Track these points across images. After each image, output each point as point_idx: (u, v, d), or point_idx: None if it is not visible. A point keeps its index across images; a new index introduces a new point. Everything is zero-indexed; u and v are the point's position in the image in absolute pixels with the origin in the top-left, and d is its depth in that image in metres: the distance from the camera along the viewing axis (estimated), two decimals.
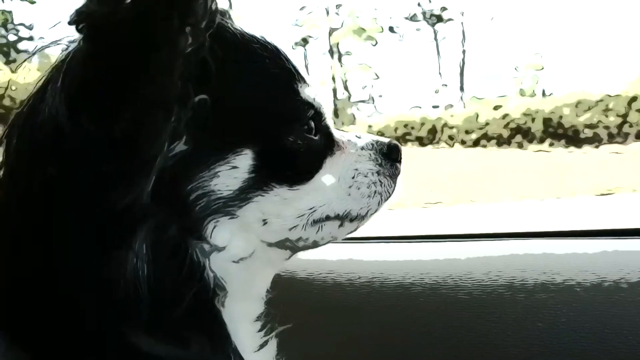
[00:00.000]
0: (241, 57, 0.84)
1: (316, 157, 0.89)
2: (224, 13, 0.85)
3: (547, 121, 7.71)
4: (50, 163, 0.72)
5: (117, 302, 0.72)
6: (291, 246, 0.90)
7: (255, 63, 0.85)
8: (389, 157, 0.97)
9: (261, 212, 0.83)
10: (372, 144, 0.97)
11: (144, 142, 0.71)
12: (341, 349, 1.34)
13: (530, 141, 7.74)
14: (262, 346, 0.90)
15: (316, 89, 0.90)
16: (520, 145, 7.80)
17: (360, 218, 0.93)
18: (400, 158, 0.99)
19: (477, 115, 8.37)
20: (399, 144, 1.00)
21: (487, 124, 8.20)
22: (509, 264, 1.28)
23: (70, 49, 0.78)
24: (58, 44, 0.82)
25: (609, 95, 7.34)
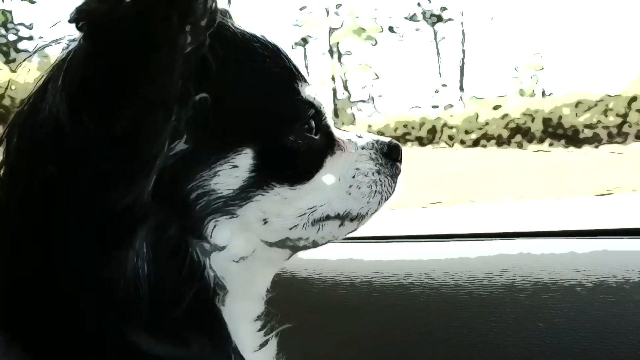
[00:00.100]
0: (242, 56, 0.84)
1: (316, 157, 0.89)
2: (224, 12, 0.85)
3: (546, 121, 7.71)
4: (51, 162, 0.72)
5: (117, 301, 0.72)
6: (291, 245, 0.90)
7: (255, 62, 0.85)
8: (389, 156, 0.97)
9: (261, 212, 0.83)
10: (373, 144, 0.97)
11: (144, 141, 0.71)
12: (341, 349, 1.34)
13: (530, 141, 7.75)
14: (262, 346, 0.90)
15: (316, 89, 0.90)
16: (520, 145, 7.80)
17: (360, 217, 0.93)
18: (401, 158, 0.99)
19: (477, 115, 8.37)
20: (399, 144, 1.00)
21: (486, 124, 8.20)
22: (509, 264, 1.28)
23: (70, 47, 0.78)
24: (58, 43, 0.82)
25: (609, 95, 7.34)
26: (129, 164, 0.71)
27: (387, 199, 0.96)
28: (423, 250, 1.53)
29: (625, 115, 7.10)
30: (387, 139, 1.00)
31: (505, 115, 8.10)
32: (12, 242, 0.75)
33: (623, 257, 1.22)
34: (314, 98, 0.88)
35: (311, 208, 0.87)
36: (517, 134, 7.91)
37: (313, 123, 0.88)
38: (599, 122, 7.29)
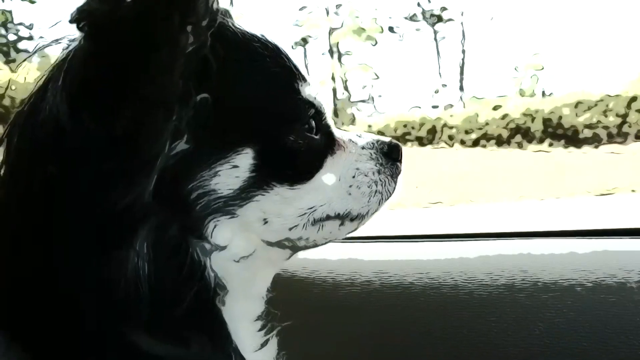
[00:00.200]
0: (242, 56, 0.84)
1: (317, 157, 0.89)
2: (225, 12, 0.85)
3: (546, 121, 7.70)
4: (51, 162, 0.72)
5: (118, 301, 0.72)
6: (291, 245, 0.90)
7: (256, 62, 0.85)
8: (389, 156, 0.97)
9: (262, 212, 0.83)
10: (373, 144, 0.97)
11: (144, 141, 0.71)
12: (341, 348, 1.34)
13: (530, 141, 7.74)
14: (262, 345, 0.90)
15: (316, 88, 0.90)
16: (519, 145, 7.79)
17: (360, 217, 0.93)
18: (401, 157, 0.99)
19: (477, 116, 8.36)
20: (399, 144, 1.00)
21: (486, 124, 8.19)
22: (509, 264, 1.28)
23: (71, 47, 0.78)
24: (58, 43, 0.82)
25: (609, 96, 7.34)
26: (129, 164, 0.71)
27: (388, 198, 0.96)
28: (423, 250, 1.53)
29: (625, 116, 7.09)
30: (387, 139, 1.00)
31: (505, 115, 8.09)
32: (12, 242, 0.75)
33: (623, 257, 1.22)
34: (314, 98, 0.88)
35: (311, 208, 0.87)
36: (517, 134, 7.90)
37: (313, 123, 0.88)
38: (598, 122, 7.28)
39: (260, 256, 0.87)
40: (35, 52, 0.85)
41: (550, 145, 7.59)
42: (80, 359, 0.73)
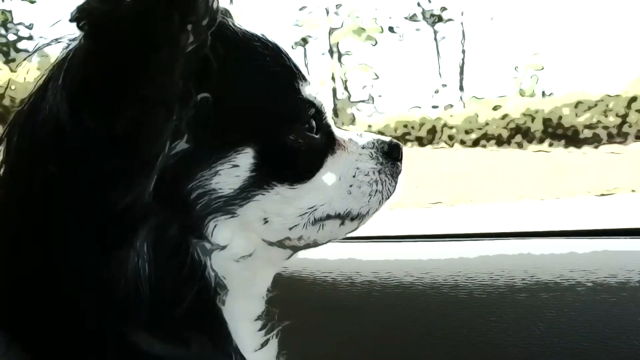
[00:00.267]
0: (242, 56, 0.84)
1: (317, 156, 0.89)
2: (224, 11, 0.85)
3: (546, 121, 7.70)
4: (51, 161, 0.72)
5: (118, 301, 0.72)
6: (292, 245, 0.90)
7: (256, 61, 0.84)
8: (390, 155, 0.97)
9: (262, 211, 0.83)
10: (374, 143, 0.97)
11: (144, 141, 0.71)
12: (341, 348, 1.34)
13: (530, 141, 7.74)
14: (262, 345, 0.90)
15: (317, 88, 0.90)
16: (519, 146, 7.79)
17: (361, 217, 0.93)
18: (401, 157, 0.99)
19: (477, 116, 8.36)
20: (400, 143, 1.00)
21: (486, 124, 8.19)
22: (509, 264, 1.28)
23: (71, 46, 0.78)
24: (58, 42, 0.82)
25: (609, 96, 7.33)
26: (130, 164, 0.71)
27: (388, 198, 0.96)
28: (423, 250, 1.53)
29: (625, 116, 7.09)
30: (387, 138, 1.00)
31: (505, 116, 8.09)
32: (12, 242, 0.75)
33: (623, 257, 1.22)
34: (315, 97, 0.88)
35: (312, 207, 0.87)
36: (517, 134, 7.90)
37: (313, 122, 0.88)
38: (598, 122, 7.28)
39: (261, 256, 0.87)
40: (35, 51, 0.85)
41: (550, 145, 7.59)
42: (81, 359, 0.73)
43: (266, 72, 0.85)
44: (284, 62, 0.87)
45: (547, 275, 1.20)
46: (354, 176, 0.92)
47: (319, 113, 0.89)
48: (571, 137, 7.48)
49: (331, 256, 1.50)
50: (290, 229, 0.87)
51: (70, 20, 0.72)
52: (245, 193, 0.81)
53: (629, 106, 7.13)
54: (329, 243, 0.93)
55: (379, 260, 1.49)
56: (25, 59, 0.88)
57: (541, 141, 7.68)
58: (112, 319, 0.72)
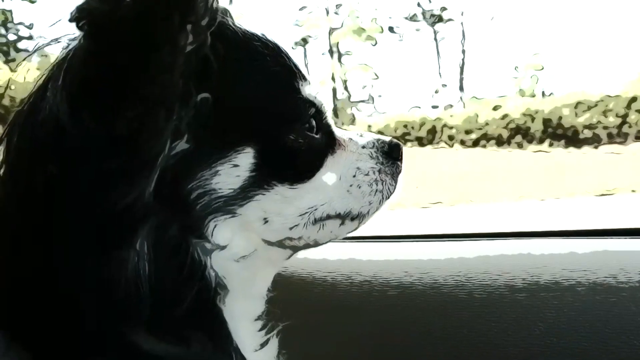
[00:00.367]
0: (242, 55, 0.84)
1: (317, 156, 0.89)
2: (224, 11, 0.85)
3: (546, 121, 7.70)
4: (51, 161, 0.71)
5: (118, 301, 0.72)
6: (292, 245, 0.90)
7: (256, 61, 0.84)
8: (390, 155, 0.97)
9: (262, 211, 0.83)
10: (374, 143, 0.97)
11: (144, 141, 0.71)
12: (341, 348, 1.34)
13: (530, 141, 7.74)
14: (263, 345, 0.90)
15: (317, 88, 0.90)
16: (519, 146, 7.79)
17: (361, 216, 0.93)
18: (402, 156, 0.99)
19: (477, 116, 8.36)
20: (400, 143, 1.00)
21: (486, 124, 8.19)
22: (509, 264, 1.28)
23: (71, 46, 0.78)
24: (58, 42, 0.82)
25: (609, 96, 7.33)
26: (130, 164, 0.71)
27: (388, 198, 0.96)
28: (423, 250, 1.53)
29: (625, 116, 7.09)
30: (387, 138, 1.00)
31: (505, 116, 8.09)
32: (12, 242, 0.75)
33: (623, 257, 1.22)
34: (315, 97, 0.88)
35: (312, 207, 0.87)
36: (517, 134, 7.90)
37: (314, 122, 0.88)
38: (598, 122, 7.27)
39: (261, 256, 0.87)
40: (35, 51, 0.85)
41: (550, 145, 7.59)
42: (81, 359, 0.73)
43: (266, 71, 0.85)
44: (284, 62, 0.87)
45: (547, 275, 1.20)
46: (354, 176, 0.92)
47: (319, 113, 0.89)
48: (571, 138, 7.48)
49: (331, 256, 1.50)
50: (291, 228, 0.87)
51: (70, 20, 0.72)
52: (246, 193, 0.81)
53: (628, 106, 7.12)
54: (329, 243, 0.93)
55: (379, 260, 1.49)
56: (25, 59, 0.88)
57: (541, 141, 7.68)
58: (112, 319, 0.72)
